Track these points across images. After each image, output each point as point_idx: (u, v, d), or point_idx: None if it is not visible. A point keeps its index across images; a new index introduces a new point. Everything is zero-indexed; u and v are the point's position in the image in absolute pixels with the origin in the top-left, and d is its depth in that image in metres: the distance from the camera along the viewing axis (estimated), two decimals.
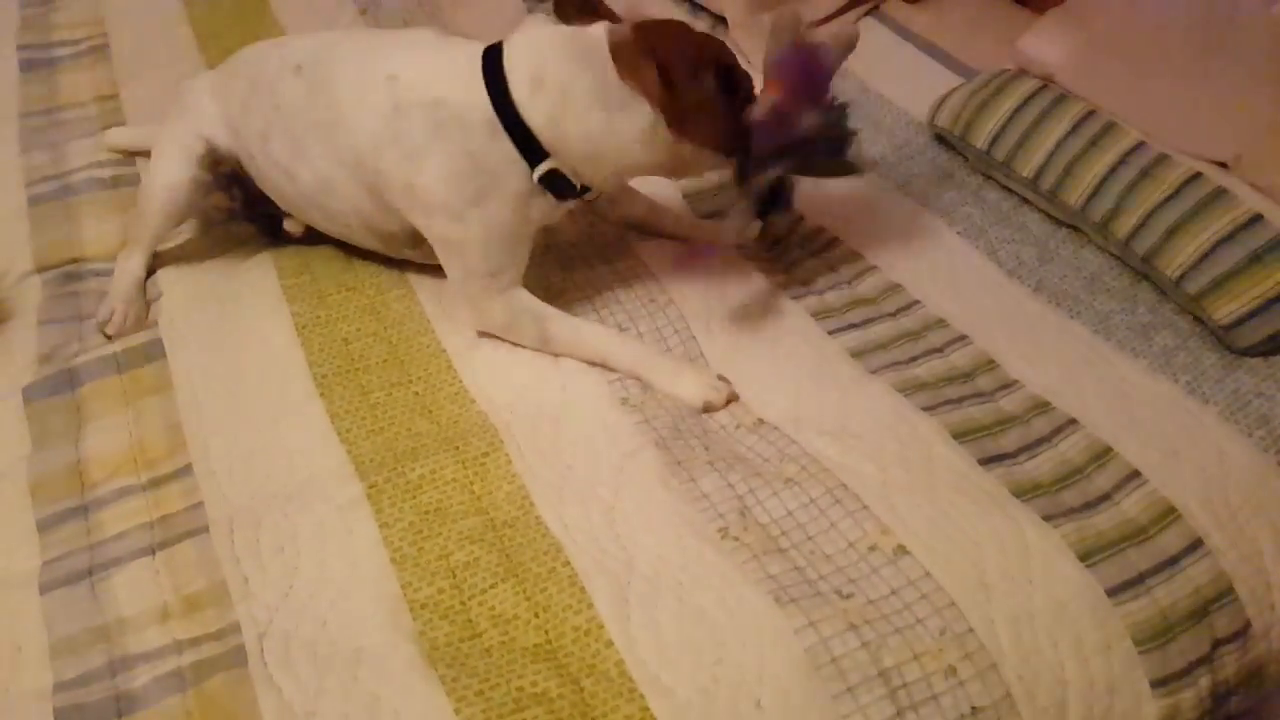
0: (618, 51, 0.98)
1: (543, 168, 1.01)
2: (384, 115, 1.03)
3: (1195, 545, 0.93)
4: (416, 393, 1.08)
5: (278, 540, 0.93)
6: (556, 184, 1.04)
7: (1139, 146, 1.19)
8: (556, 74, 1.00)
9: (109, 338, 1.15)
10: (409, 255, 1.18)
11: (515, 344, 1.12)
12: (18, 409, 1.06)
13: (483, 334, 1.13)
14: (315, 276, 1.21)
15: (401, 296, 1.19)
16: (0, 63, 1.64)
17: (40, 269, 1.25)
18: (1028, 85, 1.30)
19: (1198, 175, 1.15)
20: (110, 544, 0.94)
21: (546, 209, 1.08)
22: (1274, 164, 1.12)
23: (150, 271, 1.24)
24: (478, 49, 1.04)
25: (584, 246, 1.27)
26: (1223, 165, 1.16)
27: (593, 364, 1.10)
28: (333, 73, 1.09)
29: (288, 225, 1.26)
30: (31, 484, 0.99)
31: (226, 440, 1.02)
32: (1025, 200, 1.31)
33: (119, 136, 1.46)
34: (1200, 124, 1.17)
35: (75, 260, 1.27)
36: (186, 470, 1.00)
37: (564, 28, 1.05)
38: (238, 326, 1.15)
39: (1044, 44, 1.32)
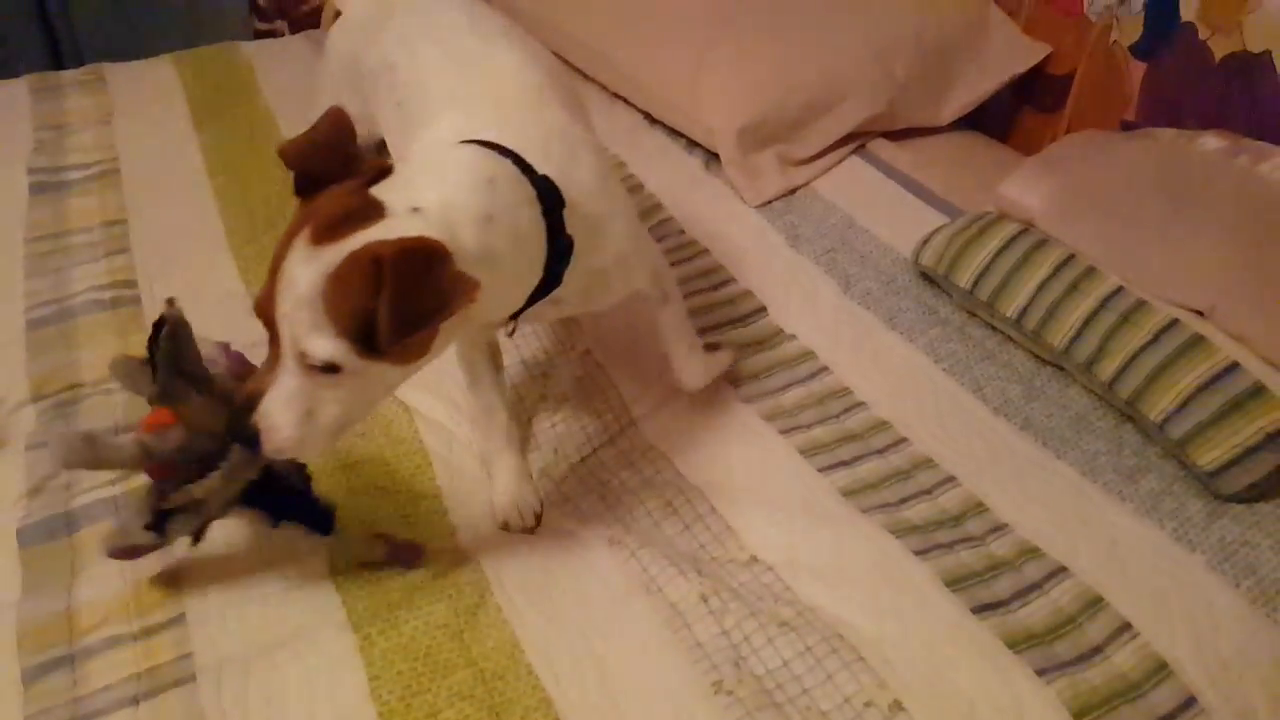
0: None
1: None
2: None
3: (1189, 703, 0.92)
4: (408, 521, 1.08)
5: (266, 692, 0.91)
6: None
7: (1118, 291, 1.23)
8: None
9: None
10: None
11: None
12: (12, 552, 1.04)
13: None
14: None
15: (405, 439, 1.19)
16: (10, 186, 1.65)
17: (36, 398, 1.24)
18: (1009, 228, 1.35)
19: (1175, 322, 1.18)
20: (95, 697, 0.92)
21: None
22: (1247, 313, 1.16)
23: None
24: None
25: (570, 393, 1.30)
26: (1199, 313, 1.20)
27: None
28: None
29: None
30: (19, 632, 0.96)
31: (223, 584, 1.01)
32: (1009, 338, 1.35)
33: None
34: (1175, 273, 1.22)
35: (71, 387, 1.26)
36: (180, 619, 0.98)
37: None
38: None
39: (1024, 190, 1.37)
